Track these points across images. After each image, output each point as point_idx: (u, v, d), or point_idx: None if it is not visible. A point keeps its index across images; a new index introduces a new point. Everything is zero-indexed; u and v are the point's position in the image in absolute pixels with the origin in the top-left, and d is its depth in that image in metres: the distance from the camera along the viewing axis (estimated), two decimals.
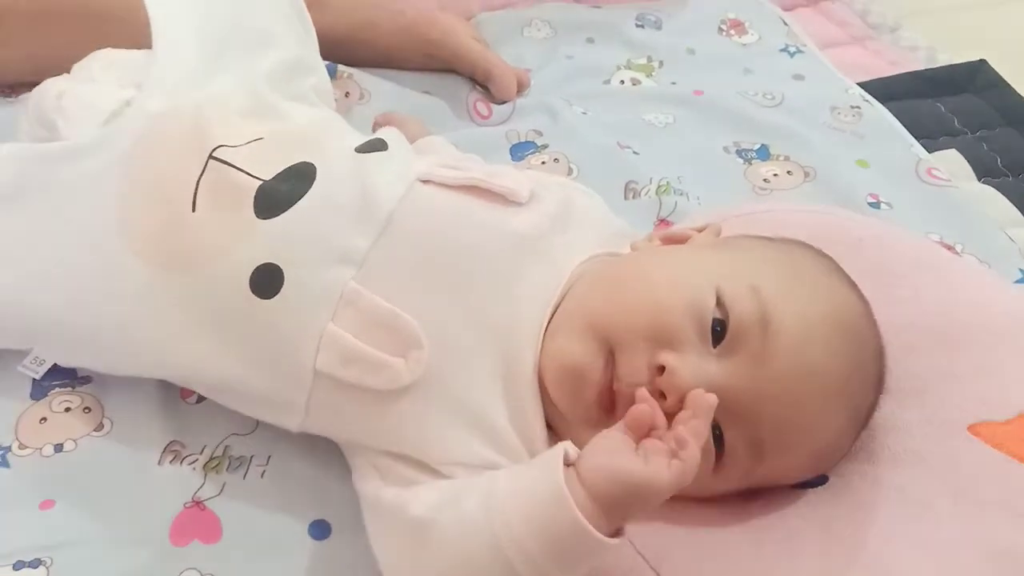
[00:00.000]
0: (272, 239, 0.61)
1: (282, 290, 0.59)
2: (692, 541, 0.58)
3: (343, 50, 0.97)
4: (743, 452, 0.56)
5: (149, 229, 0.63)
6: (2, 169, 0.66)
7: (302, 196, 0.61)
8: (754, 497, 0.61)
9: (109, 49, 0.73)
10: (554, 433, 0.59)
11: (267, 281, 0.60)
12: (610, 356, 0.56)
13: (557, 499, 0.50)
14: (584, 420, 0.57)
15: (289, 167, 0.63)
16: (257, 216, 0.61)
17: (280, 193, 0.62)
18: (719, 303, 0.56)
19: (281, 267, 0.60)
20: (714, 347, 0.56)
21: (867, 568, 0.55)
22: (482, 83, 1.01)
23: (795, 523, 0.59)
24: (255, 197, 0.62)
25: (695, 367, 0.54)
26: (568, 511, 0.49)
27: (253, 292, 0.60)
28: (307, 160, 0.63)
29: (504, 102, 1.00)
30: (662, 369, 0.54)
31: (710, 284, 0.57)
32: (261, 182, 0.62)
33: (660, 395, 0.54)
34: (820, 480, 0.62)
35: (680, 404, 0.54)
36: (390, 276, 0.59)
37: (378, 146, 0.66)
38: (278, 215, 0.61)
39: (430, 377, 0.57)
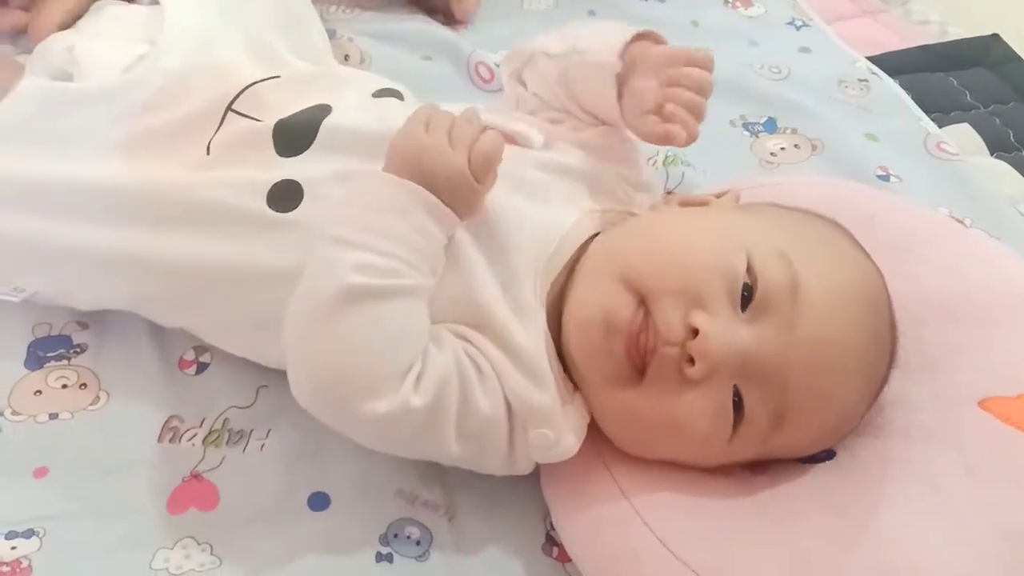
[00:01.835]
0: (293, 168, 0.61)
1: (302, 204, 0.60)
2: (700, 513, 0.57)
3: None
4: (763, 419, 0.55)
5: (155, 163, 0.63)
6: (21, 105, 0.67)
7: (320, 123, 0.62)
8: (762, 471, 0.60)
9: (114, 4, 0.74)
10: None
11: (285, 195, 0.60)
12: (641, 306, 0.55)
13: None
14: (609, 378, 0.56)
15: (304, 108, 0.64)
16: (279, 155, 0.62)
17: (297, 127, 0.63)
18: (749, 268, 0.55)
19: (301, 183, 0.60)
20: (742, 311, 0.55)
21: (877, 542, 0.54)
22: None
23: (803, 498, 0.58)
24: (273, 136, 0.62)
25: (725, 331, 0.54)
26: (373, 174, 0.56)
27: (270, 207, 0.60)
28: (324, 103, 0.64)
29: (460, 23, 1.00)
30: (695, 332, 0.53)
31: (740, 248, 0.56)
32: (276, 120, 0.63)
33: (689, 360, 0.53)
34: (828, 455, 0.61)
35: (708, 373, 0.53)
36: None
37: (395, 95, 0.67)
38: (300, 153, 0.62)
39: (442, 281, 0.57)
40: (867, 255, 0.61)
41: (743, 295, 0.55)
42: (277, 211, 0.60)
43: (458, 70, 0.98)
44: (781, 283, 0.55)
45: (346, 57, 0.94)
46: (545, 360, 0.57)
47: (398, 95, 0.68)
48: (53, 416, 0.65)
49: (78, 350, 0.69)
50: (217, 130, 0.64)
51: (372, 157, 0.59)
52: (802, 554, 0.54)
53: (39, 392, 0.66)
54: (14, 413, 0.65)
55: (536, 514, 0.62)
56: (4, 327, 0.68)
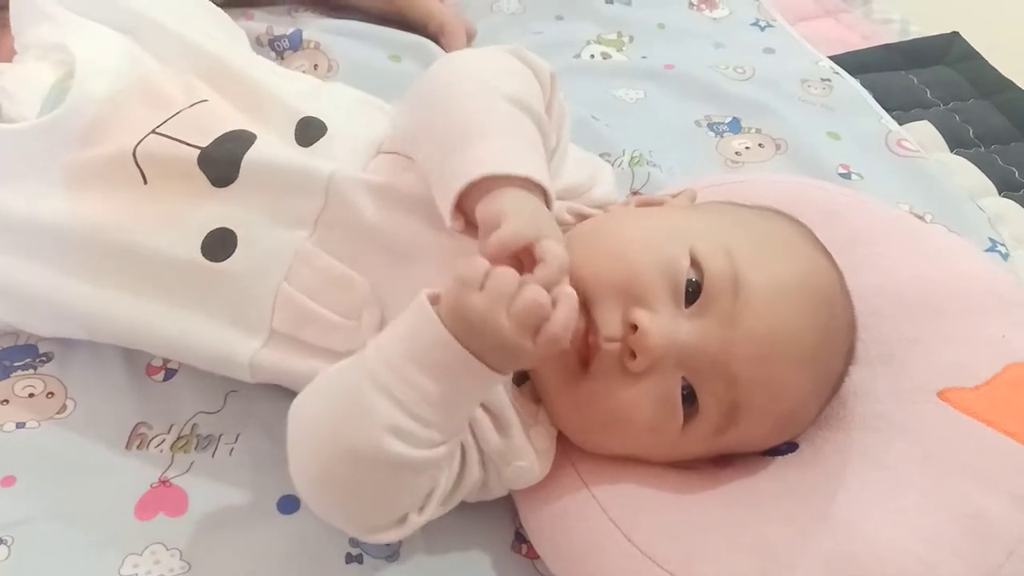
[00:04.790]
0: (226, 205, 0.61)
1: (235, 253, 0.60)
2: (663, 506, 0.58)
3: None
4: (715, 412, 0.56)
5: (97, 201, 0.63)
6: None
7: (242, 156, 0.61)
8: (725, 464, 0.61)
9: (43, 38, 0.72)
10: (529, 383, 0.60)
11: (219, 244, 0.60)
12: (584, 309, 0.55)
13: (419, 311, 0.50)
14: (560, 375, 0.57)
15: (226, 132, 0.63)
16: (213, 185, 0.61)
17: (222, 158, 0.62)
18: (693, 263, 0.56)
19: (234, 230, 0.60)
20: (687, 307, 0.56)
21: (836, 531, 0.55)
22: (434, 37, 1.02)
23: (765, 489, 0.59)
24: (199, 166, 0.62)
25: (666, 326, 0.54)
26: (426, 313, 0.49)
27: (204, 256, 0.60)
28: (246, 128, 0.64)
29: None
30: (635, 328, 0.54)
31: (684, 244, 0.56)
32: (200, 150, 0.62)
33: (631, 354, 0.54)
34: (791, 447, 0.62)
35: (649, 365, 0.54)
36: (340, 240, 0.60)
37: (317, 134, 0.65)
38: (231, 183, 0.61)
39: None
40: (821, 250, 0.62)
41: (688, 291, 0.55)
42: (212, 260, 0.60)
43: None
44: (723, 278, 0.55)
45: (315, 66, 0.95)
46: (507, 402, 0.58)
47: (320, 129, 0.65)
48: (20, 425, 0.65)
49: (44, 359, 0.69)
50: (140, 142, 0.63)
51: (295, 193, 0.61)
52: (765, 544, 0.55)
53: (6, 401, 0.66)
54: None
55: (505, 512, 0.63)
56: None
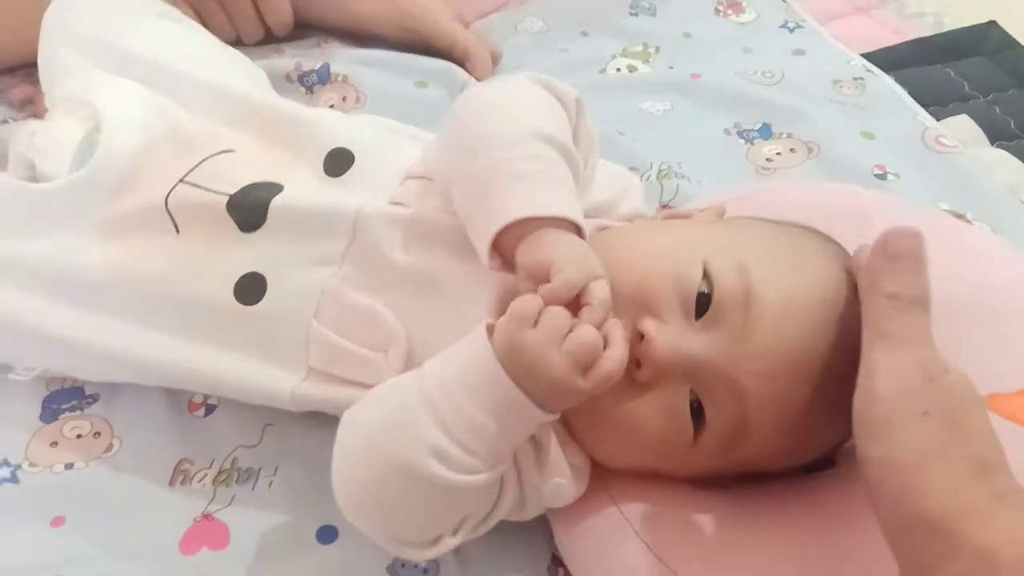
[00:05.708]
0: (254, 249, 0.63)
1: (266, 295, 0.62)
2: (697, 530, 0.57)
3: (321, 6, 1.01)
4: (723, 426, 0.55)
5: (132, 252, 0.65)
6: None
7: (269, 201, 0.63)
8: (760, 483, 0.60)
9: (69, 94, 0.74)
10: None
11: (251, 288, 0.62)
12: None
13: (476, 342, 0.52)
14: None
15: (254, 183, 0.65)
16: (242, 231, 0.63)
17: (250, 204, 0.63)
18: (706, 276, 0.56)
19: (263, 274, 0.62)
20: (697, 320, 0.55)
21: (871, 547, 0.54)
22: (459, 62, 1.02)
23: (803, 509, 0.58)
24: (228, 211, 0.64)
25: (674, 337, 0.54)
26: (482, 346, 0.52)
27: (238, 300, 0.62)
28: (274, 181, 0.65)
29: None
30: (642, 336, 0.54)
31: (698, 257, 0.56)
32: (228, 196, 0.64)
33: (636, 363, 0.54)
34: (826, 464, 0.61)
35: (654, 376, 0.54)
36: (365, 274, 0.62)
37: (346, 164, 0.66)
38: (259, 227, 0.63)
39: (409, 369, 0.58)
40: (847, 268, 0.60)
41: (700, 304, 0.55)
42: (244, 304, 0.62)
43: (452, 96, 0.98)
44: (735, 293, 0.55)
45: (343, 98, 0.96)
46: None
47: (348, 160, 0.67)
48: (68, 466, 0.67)
49: (91, 400, 0.71)
50: (170, 192, 0.64)
51: (321, 233, 0.62)
52: (802, 568, 0.54)
53: (55, 443, 0.68)
54: (31, 465, 0.67)
55: (541, 535, 0.63)
56: (19, 382, 0.70)
